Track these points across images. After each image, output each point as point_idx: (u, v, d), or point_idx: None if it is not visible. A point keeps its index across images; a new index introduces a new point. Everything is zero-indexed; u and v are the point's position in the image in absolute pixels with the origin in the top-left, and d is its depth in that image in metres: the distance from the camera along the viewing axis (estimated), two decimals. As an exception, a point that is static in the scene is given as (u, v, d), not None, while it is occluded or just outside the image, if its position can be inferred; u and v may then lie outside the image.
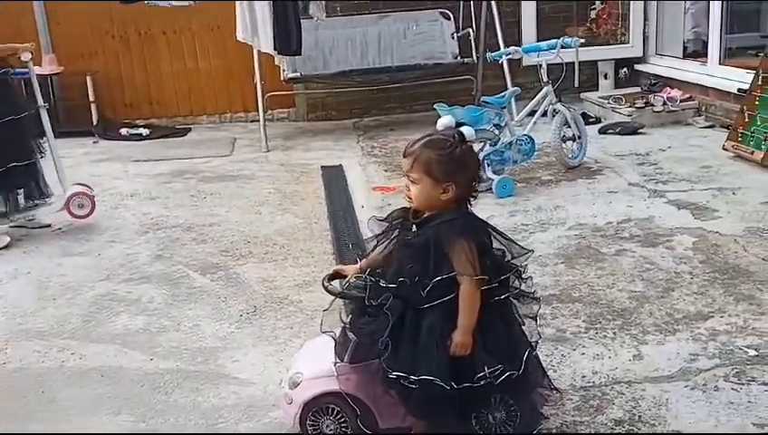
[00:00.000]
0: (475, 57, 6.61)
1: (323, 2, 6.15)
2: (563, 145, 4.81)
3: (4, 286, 3.40)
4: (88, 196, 4.18)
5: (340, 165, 5.43)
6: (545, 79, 4.81)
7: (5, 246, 3.86)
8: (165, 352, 2.74)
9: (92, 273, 3.52)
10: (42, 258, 3.72)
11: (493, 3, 6.45)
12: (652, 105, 6.11)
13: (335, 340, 2.06)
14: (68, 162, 5.55)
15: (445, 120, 2.04)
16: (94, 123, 6.91)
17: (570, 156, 4.85)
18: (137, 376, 2.58)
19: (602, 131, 5.86)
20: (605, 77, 7.02)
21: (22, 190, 3.95)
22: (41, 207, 4.09)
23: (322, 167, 5.38)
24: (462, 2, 6.84)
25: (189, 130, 7.13)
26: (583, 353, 2.53)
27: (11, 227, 4.03)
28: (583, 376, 2.38)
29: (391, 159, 5.55)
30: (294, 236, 3.94)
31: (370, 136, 6.49)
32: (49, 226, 4.20)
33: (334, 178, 5.10)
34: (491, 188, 4.32)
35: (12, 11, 6.78)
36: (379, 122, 7.08)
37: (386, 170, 5.25)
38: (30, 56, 3.96)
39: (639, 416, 2.15)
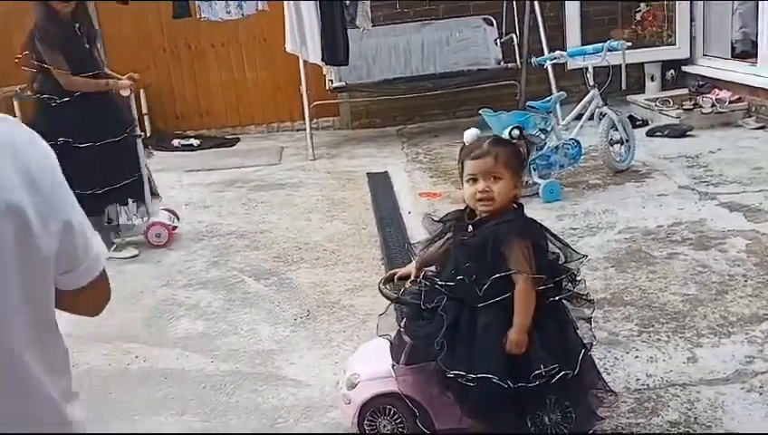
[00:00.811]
0: (518, 62, 6.63)
1: (369, 12, 6.23)
2: (611, 148, 4.79)
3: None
4: (166, 227, 4.15)
5: (386, 172, 5.50)
6: (591, 82, 4.80)
7: (133, 256, 3.98)
8: (224, 354, 2.84)
9: (153, 279, 3.65)
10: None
11: (536, 7, 6.45)
12: (701, 107, 6.03)
13: (391, 343, 2.11)
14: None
15: (471, 132, 2.11)
16: (148, 135, 7.11)
17: (617, 159, 4.83)
18: (198, 378, 2.68)
19: (650, 134, 5.80)
20: (652, 79, 6.95)
21: (128, 205, 4.09)
22: (132, 228, 4.17)
23: (368, 174, 5.46)
24: (505, 7, 6.86)
25: (238, 140, 7.29)
26: (637, 356, 2.53)
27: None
28: (637, 379, 2.39)
29: (436, 165, 5.60)
30: (344, 242, 4.01)
31: (415, 142, 6.54)
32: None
33: (380, 185, 5.17)
34: (538, 193, 4.33)
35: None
36: (423, 129, 7.13)
37: (431, 176, 5.30)
38: (129, 92, 3.99)
39: (695, 418, 2.15)
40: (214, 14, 5.82)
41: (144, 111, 7.16)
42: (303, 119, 6.41)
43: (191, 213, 4.77)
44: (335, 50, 5.56)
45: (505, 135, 2.14)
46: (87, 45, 3.81)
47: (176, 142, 7.00)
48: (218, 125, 7.59)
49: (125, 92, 3.95)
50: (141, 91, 7.14)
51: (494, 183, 1.98)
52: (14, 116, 5.75)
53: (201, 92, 7.55)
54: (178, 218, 4.38)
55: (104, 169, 3.83)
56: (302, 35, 5.60)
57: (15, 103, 7.12)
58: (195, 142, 7.01)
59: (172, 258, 3.94)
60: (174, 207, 4.49)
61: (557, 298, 2.00)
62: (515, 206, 2.05)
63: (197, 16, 5.88)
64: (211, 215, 4.69)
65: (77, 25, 3.72)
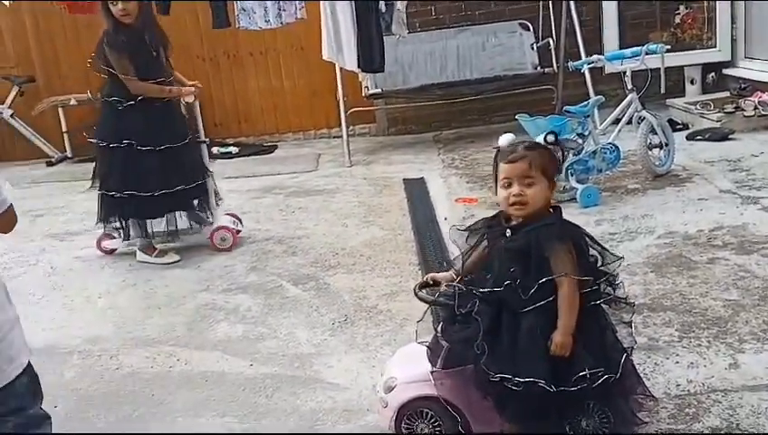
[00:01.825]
0: (555, 67, 6.59)
1: (405, 19, 6.27)
2: (650, 153, 4.73)
3: (114, 298, 3.63)
4: (230, 231, 4.22)
5: (422, 178, 5.51)
6: (630, 86, 4.76)
7: (174, 262, 4.07)
8: (264, 358, 2.88)
9: (193, 284, 3.72)
10: (146, 271, 3.96)
11: (573, 11, 6.42)
12: (743, 110, 5.91)
13: (429, 347, 2.13)
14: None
15: (506, 137, 2.11)
16: (188, 143, 7.26)
17: (657, 163, 4.77)
18: (238, 380, 2.73)
19: (690, 138, 5.71)
20: (692, 82, 6.85)
21: (187, 212, 4.15)
22: (196, 232, 4.23)
23: (404, 180, 5.48)
24: (541, 12, 6.84)
25: (276, 147, 7.39)
26: (677, 362, 2.50)
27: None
28: (678, 384, 2.36)
29: (473, 170, 5.59)
30: (380, 247, 4.04)
31: (451, 148, 6.55)
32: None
33: (417, 191, 5.18)
34: (575, 198, 4.30)
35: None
36: (459, 135, 7.14)
37: (467, 182, 5.30)
38: (193, 99, 4.14)
39: (737, 424, 2.12)
40: (252, 23, 5.91)
41: (184, 119, 7.31)
42: (340, 126, 6.47)
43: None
44: (371, 57, 5.60)
45: (540, 140, 2.13)
46: (154, 53, 3.93)
47: (215, 150, 7.11)
48: (256, 132, 7.71)
49: (189, 99, 4.11)
50: (181, 99, 7.30)
51: (527, 187, 1.99)
52: (60, 123, 5.89)
53: (239, 100, 7.68)
54: (241, 222, 4.46)
55: (164, 173, 3.92)
56: (339, 43, 5.65)
57: (60, 111, 7.35)
58: (233, 150, 7.13)
59: (212, 264, 4.01)
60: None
61: (598, 302, 1.99)
62: (552, 210, 2.05)
63: (236, 26, 5.98)
64: (249, 221, 4.76)
65: (144, 33, 3.87)
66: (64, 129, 7.38)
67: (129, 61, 3.83)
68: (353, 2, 5.51)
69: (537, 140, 2.17)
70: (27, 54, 7.51)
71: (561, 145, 2.09)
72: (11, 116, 7.40)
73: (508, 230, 2.04)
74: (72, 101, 7.22)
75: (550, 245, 1.93)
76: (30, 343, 3.10)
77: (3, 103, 7.40)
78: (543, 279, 1.91)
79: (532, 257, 1.94)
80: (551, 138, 2.32)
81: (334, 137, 7.34)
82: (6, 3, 6.25)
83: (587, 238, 2.05)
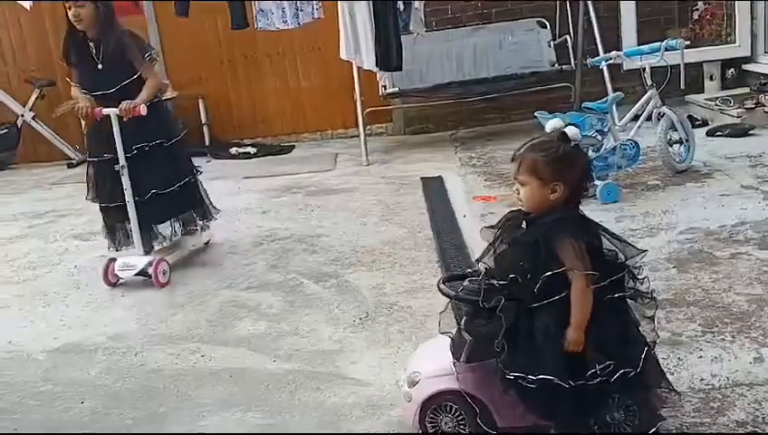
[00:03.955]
0: (573, 64, 6.57)
1: (423, 18, 6.28)
2: (670, 149, 4.71)
3: (137, 296, 3.67)
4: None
5: (440, 176, 5.52)
6: (649, 82, 4.74)
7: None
8: (286, 354, 2.90)
9: (215, 282, 3.76)
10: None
11: (591, 8, 6.39)
12: (763, 105, 5.87)
13: (452, 340, 2.13)
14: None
15: (554, 123, 2.10)
16: (206, 144, 7.33)
17: (677, 160, 4.75)
18: (262, 376, 2.75)
19: (710, 134, 5.68)
20: (711, 78, 6.80)
21: (185, 214, 4.07)
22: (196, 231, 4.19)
23: (422, 178, 5.48)
24: (558, 9, 6.82)
25: (293, 147, 7.43)
26: (701, 357, 2.49)
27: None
28: (702, 379, 2.35)
29: (490, 168, 5.59)
30: (399, 245, 4.05)
31: (468, 147, 6.55)
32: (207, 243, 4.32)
33: (434, 189, 5.19)
34: (595, 195, 4.29)
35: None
36: (476, 133, 7.14)
37: (485, 180, 5.30)
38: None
39: (763, 417, 2.11)
40: (270, 24, 5.96)
41: (203, 120, 7.39)
42: (357, 125, 6.49)
43: (250, 218, 4.89)
44: (389, 56, 5.62)
45: (547, 129, 2.09)
46: (99, 65, 3.72)
47: (233, 150, 7.18)
48: (274, 133, 7.76)
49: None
50: (200, 101, 7.38)
51: (520, 187, 2.01)
52: (81, 125, 5.91)
53: (257, 101, 7.74)
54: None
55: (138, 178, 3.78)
56: (357, 42, 5.67)
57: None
58: (251, 150, 7.18)
59: (233, 262, 4.04)
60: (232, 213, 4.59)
61: (616, 296, 1.99)
62: (566, 203, 2.03)
63: (254, 27, 6.02)
64: (269, 220, 4.79)
65: (95, 42, 3.72)
66: (84, 131, 7.45)
67: (73, 68, 3.83)
68: (371, 1, 5.53)
69: (547, 130, 2.12)
70: (48, 58, 7.60)
71: (572, 140, 2.03)
72: (32, 118, 7.51)
73: (524, 223, 2.05)
74: (93, 104, 7.29)
75: (559, 238, 1.93)
76: (56, 340, 3.19)
77: (24, 106, 7.51)
78: (549, 272, 1.91)
79: (540, 251, 1.94)
80: (556, 130, 2.15)
81: (351, 136, 7.36)
82: (27, 6, 6.32)
83: (606, 234, 2.04)
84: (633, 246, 2.07)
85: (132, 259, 3.77)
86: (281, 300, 3.44)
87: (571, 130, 2.02)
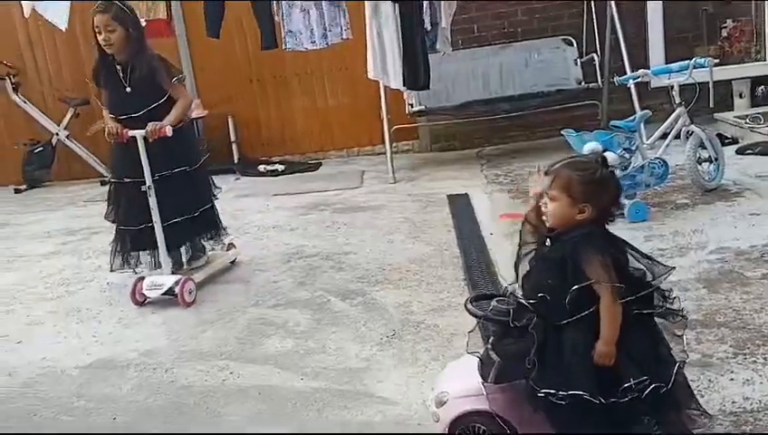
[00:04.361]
0: (600, 82, 6.56)
1: (449, 37, 6.33)
2: (699, 167, 4.68)
3: (167, 313, 3.72)
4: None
5: (466, 194, 5.53)
6: (677, 100, 4.72)
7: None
8: (313, 372, 2.92)
9: (243, 299, 3.80)
10: (198, 286, 4.04)
11: (618, 26, 6.38)
12: (794, 123, 5.80)
13: (481, 360, 2.14)
14: (213, 198, 6.02)
15: (591, 146, 2.12)
16: (235, 161, 7.43)
17: (706, 178, 4.71)
18: (290, 394, 2.77)
19: (740, 152, 5.62)
20: (740, 96, 6.74)
21: (198, 238, 4.10)
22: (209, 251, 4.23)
23: (449, 196, 5.50)
24: (585, 27, 6.83)
25: (320, 164, 7.49)
26: (732, 379, 2.46)
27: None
28: (733, 401, 2.33)
29: (517, 186, 5.59)
30: (426, 263, 4.06)
31: (494, 164, 6.55)
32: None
33: (461, 207, 5.20)
34: (623, 213, 4.26)
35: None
36: (502, 151, 7.14)
37: (512, 198, 5.30)
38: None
39: (797, 443, 2.08)
40: (299, 44, 6.03)
41: (232, 138, 7.50)
42: (383, 143, 6.54)
43: (278, 235, 4.94)
44: (416, 75, 5.66)
45: (585, 150, 2.12)
46: (128, 88, 3.75)
47: (261, 168, 7.27)
48: (301, 150, 7.84)
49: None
50: (229, 119, 7.50)
51: (549, 202, 2.02)
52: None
53: (285, 120, 7.83)
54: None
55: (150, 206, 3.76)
56: (384, 62, 5.73)
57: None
58: (279, 168, 7.26)
59: (261, 279, 4.08)
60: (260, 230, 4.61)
61: (645, 312, 1.98)
62: (591, 224, 2.04)
63: (283, 47, 6.11)
64: (296, 237, 4.84)
65: (124, 65, 3.75)
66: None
67: (102, 90, 3.89)
68: (399, 21, 5.58)
69: (584, 152, 2.15)
70: (82, 77, 7.76)
71: (610, 166, 2.04)
72: (67, 137, 7.67)
73: (548, 240, 2.06)
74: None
75: (585, 254, 1.94)
76: (89, 356, 3.25)
77: (59, 125, 7.68)
78: (577, 286, 1.92)
79: (568, 266, 1.95)
80: (593, 150, 2.22)
81: (378, 154, 7.40)
82: (62, 27, 6.48)
83: (632, 251, 2.04)
84: (661, 263, 2.07)
85: (160, 278, 3.80)
86: (308, 317, 3.47)
87: (611, 156, 2.05)
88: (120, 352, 3.29)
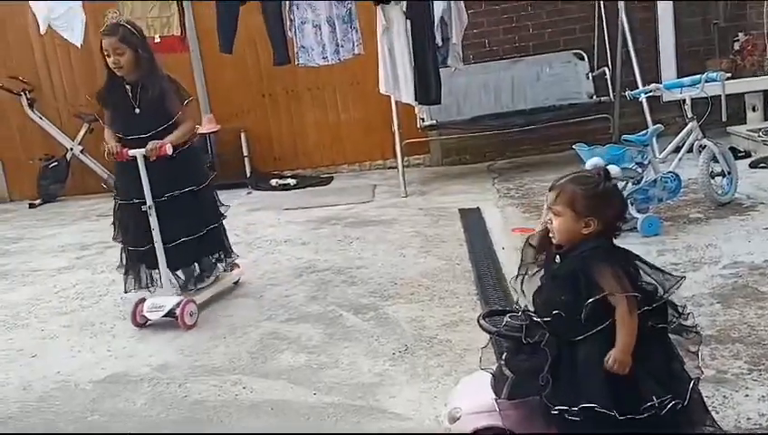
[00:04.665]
0: (611, 96, 6.57)
1: (461, 52, 6.36)
2: (712, 181, 4.66)
3: (180, 327, 3.74)
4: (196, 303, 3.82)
5: (478, 208, 5.53)
6: (690, 114, 4.71)
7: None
8: (326, 387, 2.92)
9: (256, 313, 3.81)
10: (209, 301, 4.05)
11: (629, 40, 6.39)
12: (808, 136, 5.77)
13: (494, 375, 2.14)
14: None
15: (594, 161, 2.13)
16: (248, 175, 7.48)
17: (719, 192, 4.69)
18: (302, 409, 2.77)
19: (753, 166, 5.60)
20: (753, 109, 6.72)
21: (206, 258, 4.04)
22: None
23: (460, 210, 5.50)
24: (596, 41, 6.84)
25: (332, 178, 7.53)
26: (747, 395, 2.45)
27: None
28: (749, 418, 2.31)
29: (528, 200, 5.59)
30: (438, 277, 4.06)
31: (506, 178, 6.56)
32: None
33: (473, 221, 5.20)
34: (636, 228, 4.25)
35: (175, 76, 7.52)
36: (514, 164, 7.15)
37: (524, 212, 5.30)
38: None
39: (815, 460, 2.06)
40: (311, 60, 6.08)
41: (245, 153, 7.55)
42: (394, 157, 6.56)
43: (290, 249, 4.95)
44: (427, 90, 5.70)
45: (588, 165, 2.12)
46: (137, 109, 3.71)
47: (273, 182, 7.31)
48: (313, 165, 7.88)
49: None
50: (242, 134, 7.55)
51: (554, 217, 2.03)
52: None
53: (297, 134, 7.88)
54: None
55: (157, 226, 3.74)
56: (396, 77, 5.77)
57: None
58: (291, 182, 7.30)
59: (273, 293, 4.09)
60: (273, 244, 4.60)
61: (658, 325, 1.98)
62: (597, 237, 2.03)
63: (296, 63, 6.16)
64: (308, 251, 4.85)
65: (132, 86, 3.71)
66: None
67: (108, 110, 3.84)
68: (410, 37, 5.62)
69: (587, 167, 2.15)
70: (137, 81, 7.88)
71: (612, 177, 2.05)
72: (81, 152, 7.75)
73: (557, 257, 2.06)
74: (138, 137, 7.51)
75: (597, 266, 1.94)
76: (103, 371, 3.27)
77: (74, 140, 7.76)
78: (591, 299, 1.91)
79: (580, 281, 1.95)
80: (595, 164, 2.22)
81: (389, 168, 7.43)
82: (78, 44, 6.57)
83: (643, 265, 2.04)
84: (671, 274, 2.05)
85: (161, 299, 3.73)
86: (320, 332, 3.48)
87: (613, 169, 2.05)
88: (133, 366, 3.31)
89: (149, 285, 3.93)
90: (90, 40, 6.56)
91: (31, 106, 7.79)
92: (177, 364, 3.28)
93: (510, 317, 2.16)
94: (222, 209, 4.10)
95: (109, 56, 3.65)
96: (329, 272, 4.36)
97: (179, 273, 4.00)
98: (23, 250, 5.81)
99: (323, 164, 7.88)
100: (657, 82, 5.39)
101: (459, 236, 4.84)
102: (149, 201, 3.67)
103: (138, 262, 3.90)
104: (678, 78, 5.34)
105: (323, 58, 6.09)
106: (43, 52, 7.95)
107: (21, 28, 7.80)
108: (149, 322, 3.76)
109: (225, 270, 4.15)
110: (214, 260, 4.09)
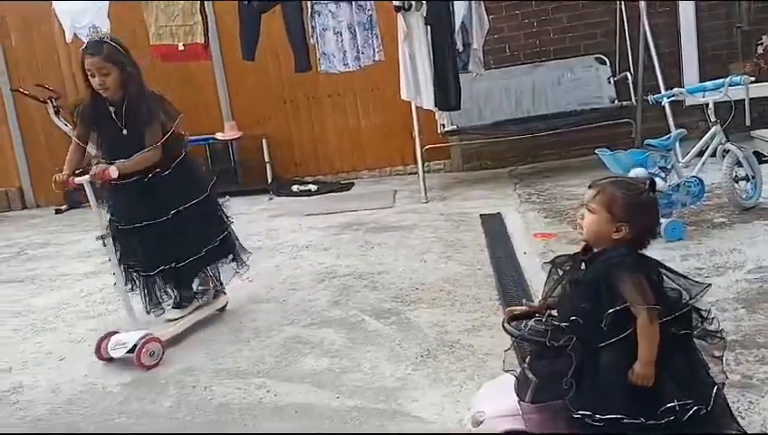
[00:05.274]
0: (633, 100, 6.54)
1: (482, 58, 6.37)
2: (736, 185, 4.63)
3: (206, 330, 3.78)
4: (160, 341, 3.49)
5: (499, 213, 5.53)
6: (713, 119, 4.68)
7: (223, 307, 3.97)
8: (349, 390, 2.95)
9: (279, 317, 3.84)
10: (234, 305, 4.10)
11: (651, 45, 6.37)
12: (834, 139, 5.70)
13: (517, 378, 2.14)
14: (248, 218, 6.13)
15: (638, 171, 2.13)
16: (269, 181, 7.54)
17: (743, 197, 4.65)
18: (326, 412, 2.80)
19: (778, 170, 5.53)
20: (777, 113, 6.64)
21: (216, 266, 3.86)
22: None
23: (481, 215, 5.50)
24: (618, 45, 6.82)
25: (353, 184, 7.56)
26: (773, 401, 2.43)
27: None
28: (775, 424, 2.30)
29: (550, 205, 5.58)
30: (460, 282, 4.07)
31: (527, 183, 6.55)
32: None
33: (494, 226, 5.20)
34: (659, 232, 4.22)
35: (197, 83, 7.64)
36: (535, 169, 7.13)
37: (545, 217, 5.28)
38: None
39: (842, 466, 2.04)
40: (332, 66, 6.14)
41: (266, 159, 7.61)
42: (415, 162, 6.58)
43: (312, 254, 4.99)
44: (447, 96, 5.72)
45: (633, 174, 2.13)
46: (124, 130, 3.49)
47: (295, 188, 7.37)
48: (333, 170, 7.93)
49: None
50: (263, 140, 7.62)
51: (587, 214, 2.04)
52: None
53: (318, 140, 7.94)
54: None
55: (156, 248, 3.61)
56: (417, 83, 5.80)
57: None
58: (312, 187, 7.35)
59: (296, 298, 4.13)
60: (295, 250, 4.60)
61: (681, 332, 1.97)
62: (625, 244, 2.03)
63: (317, 70, 6.21)
64: (330, 257, 4.88)
65: (118, 107, 3.47)
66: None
67: (81, 126, 3.60)
68: (431, 43, 5.65)
69: (631, 175, 2.16)
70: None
71: (655, 190, 2.05)
72: (106, 159, 7.84)
73: (583, 263, 2.06)
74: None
75: (619, 276, 1.94)
76: (129, 374, 3.31)
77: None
78: (611, 310, 1.91)
79: (602, 290, 1.95)
80: (639, 174, 2.26)
81: (409, 174, 7.45)
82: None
83: (667, 271, 2.03)
84: (697, 282, 2.05)
85: (125, 336, 3.47)
86: (343, 336, 3.50)
87: (660, 183, 2.05)
88: (159, 369, 3.35)
89: (159, 303, 3.73)
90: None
91: (57, 113, 7.91)
92: (202, 367, 3.32)
93: (534, 321, 2.17)
94: (228, 220, 3.86)
95: (93, 76, 3.38)
96: (350, 277, 4.39)
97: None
98: (49, 255, 5.91)
99: (344, 170, 7.93)
100: (680, 87, 5.36)
101: (480, 241, 4.84)
102: (104, 230, 3.52)
103: (152, 284, 3.69)
104: (701, 82, 5.30)
105: (344, 65, 6.14)
106: (69, 60, 8.08)
107: (47, 36, 7.95)
108: (114, 359, 3.49)
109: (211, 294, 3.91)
110: (227, 263, 3.87)
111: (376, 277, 4.32)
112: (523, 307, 2.23)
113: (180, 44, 6.50)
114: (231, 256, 3.90)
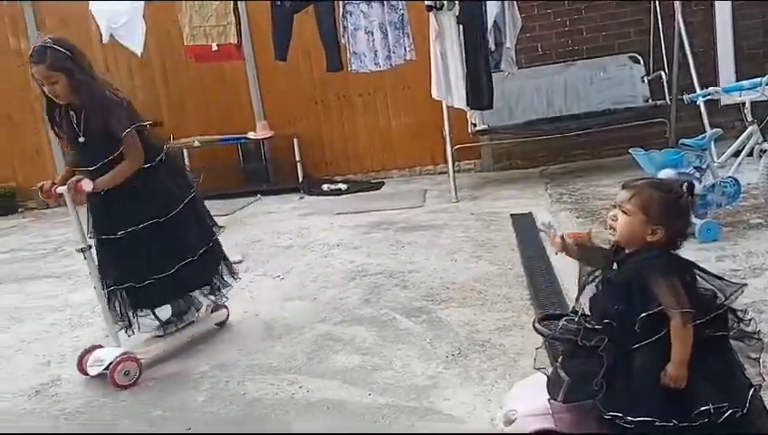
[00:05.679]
0: (668, 99, 6.46)
1: (514, 57, 6.35)
2: (773, 186, 4.54)
3: (238, 327, 3.83)
4: (136, 361, 3.30)
5: (530, 213, 5.50)
6: (750, 118, 4.61)
7: (222, 322, 3.84)
8: (381, 388, 2.96)
9: (310, 315, 3.88)
10: (266, 302, 4.15)
11: (686, 43, 6.28)
12: None
13: (548, 377, 2.14)
14: (279, 216, 6.19)
15: (667, 172, 2.11)
16: (300, 180, 7.60)
17: (781, 197, 4.57)
18: (358, 409, 2.81)
19: (817, 170, 5.42)
20: (816, 112, 6.51)
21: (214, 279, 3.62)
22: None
23: (512, 215, 5.48)
24: (652, 44, 6.74)
25: (383, 183, 7.59)
26: (812, 405, 2.38)
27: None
28: (814, 428, 2.25)
29: (582, 205, 5.53)
30: (491, 282, 4.06)
31: (558, 183, 6.51)
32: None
33: (525, 226, 5.17)
34: (693, 233, 4.18)
35: (230, 83, 7.73)
36: (566, 169, 7.08)
37: (577, 217, 5.25)
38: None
39: None
40: (363, 66, 6.17)
41: (297, 158, 7.68)
42: (445, 162, 6.59)
43: (343, 253, 5.02)
44: (479, 95, 5.71)
45: (663, 175, 2.11)
46: (81, 138, 3.26)
47: (325, 187, 7.42)
48: (364, 170, 7.97)
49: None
50: (294, 140, 7.69)
51: (622, 215, 2.02)
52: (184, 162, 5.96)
53: (348, 139, 7.99)
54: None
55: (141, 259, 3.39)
56: (448, 82, 5.80)
57: (185, 152, 7.86)
58: (343, 186, 7.40)
59: (327, 296, 4.16)
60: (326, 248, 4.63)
61: (717, 334, 1.96)
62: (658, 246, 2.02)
63: (348, 69, 6.25)
64: (361, 255, 4.90)
65: (75, 112, 3.25)
66: (188, 168, 7.89)
67: (63, 141, 3.40)
68: (462, 43, 5.65)
69: (664, 177, 2.14)
70: (156, 101, 8.11)
71: (692, 194, 2.03)
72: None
73: (615, 263, 2.05)
74: (196, 143, 7.72)
75: (652, 278, 1.92)
76: (165, 368, 3.37)
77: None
78: (644, 314, 1.90)
79: (634, 291, 1.94)
80: (668, 176, 2.24)
81: (440, 173, 7.46)
82: (138, 52, 6.78)
83: (701, 272, 2.01)
84: (732, 282, 2.03)
85: (103, 352, 3.35)
86: (374, 334, 3.52)
87: (697, 187, 2.03)
88: (193, 365, 3.41)
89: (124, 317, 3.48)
90: (149, 47, 6.78)
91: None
92: (235, 363, 3.37)
93: (566, 321, 2.17)
94: (215, 229, 3.62)
95: (42, 85, 3.18)
96: (381, 276, 4.41)
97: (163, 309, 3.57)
98: (86, 252, 6.02)
99: (374, 169, 7.96)
100: (715, 86, 5.28)
101: (511, 241, 4.83)
102: (85, 242, 3.32)
103: (128, 301, 3.46)
104: (737, 81, 5.22)
105: (375, 64, 6.17)
106: (105, 61, 8.24)
107: (85, 36, 8.09)
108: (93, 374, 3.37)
109: (208, 308, 3.74)
110: (201, 294, 3.62)
111: (406, 276, 4.33)
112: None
113: (214, 45, 6.59)
114: (207, 287, 3.60)
